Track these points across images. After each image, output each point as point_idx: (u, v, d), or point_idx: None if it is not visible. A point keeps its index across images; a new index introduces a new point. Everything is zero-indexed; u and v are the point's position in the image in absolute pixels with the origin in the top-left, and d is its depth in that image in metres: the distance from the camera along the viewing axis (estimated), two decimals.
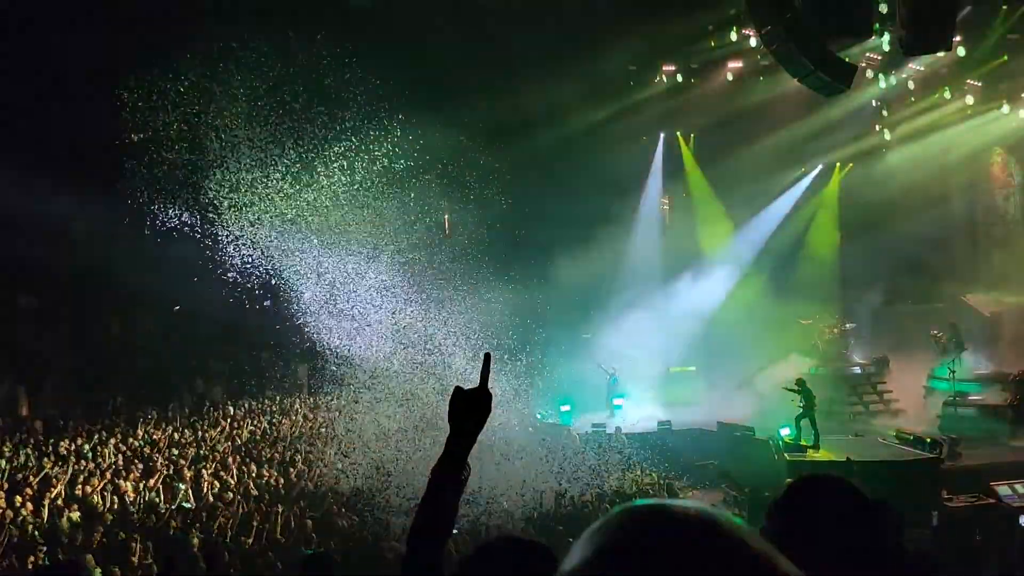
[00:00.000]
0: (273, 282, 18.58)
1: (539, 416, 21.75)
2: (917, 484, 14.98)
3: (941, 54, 17.43)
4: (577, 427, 20.86)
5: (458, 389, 2.21)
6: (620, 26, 19.75)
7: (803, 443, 17.29)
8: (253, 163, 17.83)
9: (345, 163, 18.86)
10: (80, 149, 17.05)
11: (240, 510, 12.84)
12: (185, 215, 17.94)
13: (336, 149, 18.67)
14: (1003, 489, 14.77)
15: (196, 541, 11.57)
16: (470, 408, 2.19)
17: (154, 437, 17.08)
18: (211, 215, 17.96)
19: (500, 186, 22.04)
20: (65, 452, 15.37)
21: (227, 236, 18.08)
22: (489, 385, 2.22)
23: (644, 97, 23.79)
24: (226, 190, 17.75)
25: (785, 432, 17.75)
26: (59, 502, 12.65)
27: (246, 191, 17.90)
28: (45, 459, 14.85)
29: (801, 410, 17.46)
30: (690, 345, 24.02)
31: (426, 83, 19.88)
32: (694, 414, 21.41)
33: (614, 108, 23.25)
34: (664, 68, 23.11)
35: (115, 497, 13.16)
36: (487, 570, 1.91)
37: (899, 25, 13.99)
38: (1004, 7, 17.80)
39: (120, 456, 15.56)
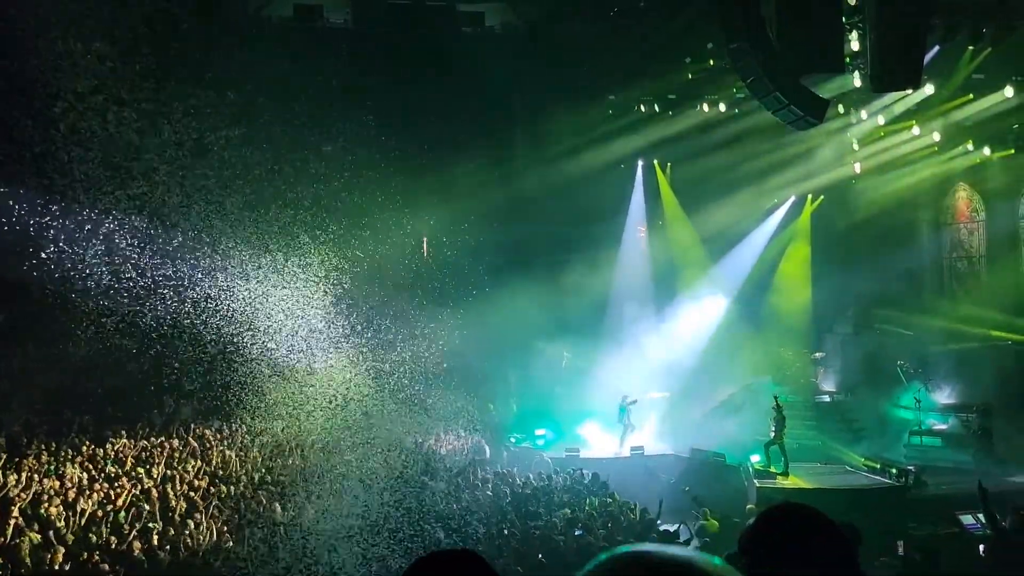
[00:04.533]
0: (244, 300, 18.42)
1: (514, 440, 21.74)
2: (883, 512, 15.17)
3: (910, 91, 17.92)
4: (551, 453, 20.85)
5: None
6: (600, 56, 20.06)
7: (772, 470, 17.47)
8: (227, 180, 17.75)
9: (324, 185, 18.86)
10: (46, 161, 16.79)
11: (209, 532, 12.67)
12: (158, 232, 17.79)
13: (315, 170, 18.67)
14: (966, 518, 14.99)
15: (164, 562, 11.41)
16: None
17: (121, 457, 16.78)
18: (183, 233, 17.84)
19: (480, 211, 22.14)
20: (28, 471, 15.05)
21: (200, 255, 17.96)
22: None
23: (622, 126, 24.10)
24: (198, 208, 17.63)
25: (755, 459, 17.93)
26: (21, 522, 12.37)
27: (219, 210, 17.80)
28: (10, 475, 14.52)
29: (771, 437, 17.68)
30: (664, 372, 24.14)
31: (408, 112, 20.00)
32: (667, 440, 21.54)
33: (593, 136, 23.54)
34: (642, 98, 23.44)
35: (78, 517, 12.91)
36: None
37: (870, 62, 14.38)
38: (971, 48, 18.34)
39: (85, 476, 15.26)
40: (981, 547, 13.43)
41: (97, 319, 18.33)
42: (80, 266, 18.19)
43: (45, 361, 18.87)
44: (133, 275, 18.24)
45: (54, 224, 17.46)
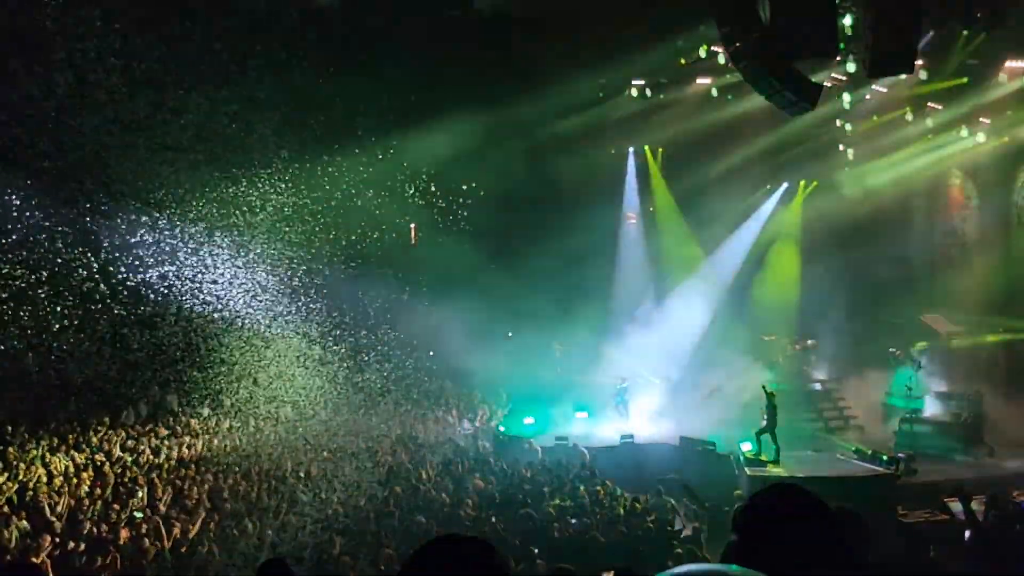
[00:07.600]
0: (230, 289, 18.28)
1: (502, 429, 21.67)
2: (874, 500, 15.18)
3: (903, 76, 17.83)
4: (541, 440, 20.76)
5: None
6: (591, 41, 19.89)
7: (763, 458, 17.44)
8: (215, 164, 17.56)
9: (309, 172, 18.70)
10: (32, 143, 16.53)
11: (196, 520, 12.57)
12: (145, 217, 17.60)
13: (299, 155, 18.51)
14: (956, 505, 14.98)
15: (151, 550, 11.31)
16: None
17: (106, 445, 16.64)
18: (170, 219, 17.66)
19: (469, 196, 21.99)
20: (15, 459, 14.91)
21: (186, 242, 17.83)
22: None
23: (614, 111, 23.94)
24: (186, 194, 17.44)
25: (746, 447, 17.89)
26: (7, 510, 12.26)
27: (207, 194, 17.60)
28: None
29: (763, 425, 17.64)
30: (658, 359, 24.06)
31: (397, 98, 19.81)
32: (658, 427, 21.51)
33: (584, 122, 23.38)
34: (634, 83, 23.30)
35: (65, 506, 12.79)
36: (429, 570, 1.87)
37: (863, 47, 14.25)
38: (964, 32, 18.27)
39: (71, 464, 15.13)
40: (967, 534, 13.48)
41: (82, 306, 18.15)
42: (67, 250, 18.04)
43: (29, 348, 18.69)
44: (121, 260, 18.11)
45: (36, 209, 17.26)
